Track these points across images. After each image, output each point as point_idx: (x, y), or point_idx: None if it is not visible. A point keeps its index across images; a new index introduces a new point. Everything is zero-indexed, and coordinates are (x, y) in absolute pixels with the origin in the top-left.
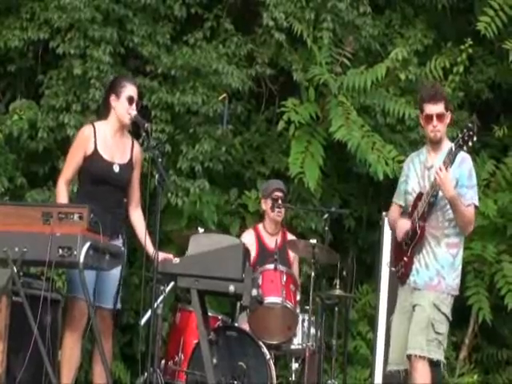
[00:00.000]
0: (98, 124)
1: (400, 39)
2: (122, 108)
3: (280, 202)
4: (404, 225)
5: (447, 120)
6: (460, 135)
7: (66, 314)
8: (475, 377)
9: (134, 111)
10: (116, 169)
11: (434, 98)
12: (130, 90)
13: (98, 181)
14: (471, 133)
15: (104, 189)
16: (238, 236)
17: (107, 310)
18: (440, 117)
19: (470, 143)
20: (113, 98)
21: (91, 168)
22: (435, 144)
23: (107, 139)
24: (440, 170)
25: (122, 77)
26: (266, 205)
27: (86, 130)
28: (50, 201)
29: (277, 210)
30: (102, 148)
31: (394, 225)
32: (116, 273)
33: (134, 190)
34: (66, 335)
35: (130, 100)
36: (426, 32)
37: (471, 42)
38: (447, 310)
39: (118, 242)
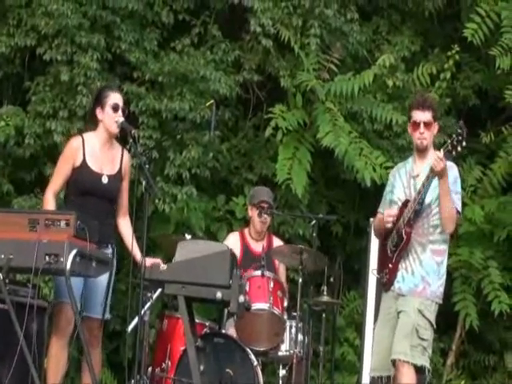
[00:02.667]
0: (87, 135)
1: (387, 46)
2: (108, 118)
3: (265, 212)
4: (391, 211)
5: (434, 129)
6: (449, 140)
7: (52, 320)
8: (462, 383)
9: (120, 118)
10: (105, 180)
11: (423, 105)
12: (113, 98)
13: (87, 192)
14: (460, 138)
15: (93, 200)
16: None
17: (95, 319)
18: (427, 125)
19: (459, 148)
20: (98, 110)
21: (80, 179)
22: (421, 152)
23: (96, 150)
24: (439, 159)
25: (105, 87)
26: (252, 212)
27: (75, 141)
28: (36, 207)
29: (263, 217)
30: (91, 159)
31: (379, 231)
32: (104, 281)
33: (122, 199)
34: (52, 342)
35: (115, 108)
36: (413, 38)
37: (458, 49)
38: (431, 316)
39: (108, 251)
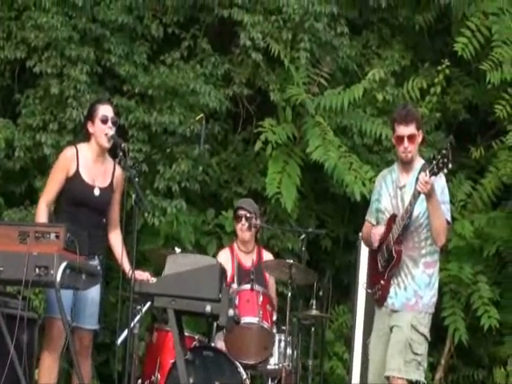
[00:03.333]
0: (81, 146)
1: (377, 60)
2: (99, 131)
3: (244, 220)
4: (377, 230)
5: (419, 139)
6: (434, 162)
7: (43, 334)
8: None
9: (110, 131)
10: (96, 192)
11: (405, 119)
12: (102, 110)
13: (78, 203)
14: (445, 160)
15: (84, 211)
16: (215, 256)
17: (85, 330)
18: (411, 138)
19: (445, 170)
20: (89, 124)
21: (72, 190)
22: (406, 164)
23: (89, 162)
24: (425, 183)
25: (95, 101)
26: (235, 223)
27: (69, 151)
28: (26, 220)
29: (240, 225)
30: (84, 171)
31: (367, 240)
32: (93, 292)
33: (113, 212)
34: (44, 355)
35: (104, 120)
36: (403, 53)
37: (448, 63)
38: (425, 330)
39: (94, 263)
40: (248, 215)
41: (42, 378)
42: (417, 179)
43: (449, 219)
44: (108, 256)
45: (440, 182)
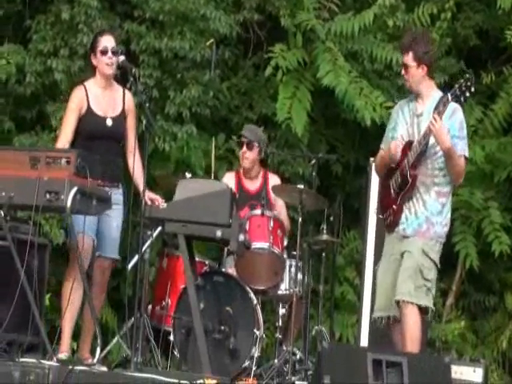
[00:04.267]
0: (88, 83)
1: None
2: (100, 62)
3: (245, 147)
4: (396, 146)
5: (416, 73)
6: (457, 85)
7: (68, 257)
8: (462, 323)
9: (112, 60)
10: (109, 123)
11: (403, 47)
12: (102, 41)
13: (93, 137)
14: (469, 83)
15: (99, 143)
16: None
17: (109, 259)
18: (406, 67)
19: (468, 94)
20: (92, 56)
21: (85, 125)
22: (412, 93)
23: (98, 95)
24: (434, 120)
25: (96, 33)
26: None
27: (78, 91)
28: (37, 145)
29: (241, 152)
30: (95, 104)
31: (381, 168)
32: (119, 220)
33: (129, 137)
34: (69, 277)
35: (104, 51)
36: None
37: None
38: (436, 256)
39: (118, 192)
40: (249, 143)
41: (65, 300)
42: (435, 109)
43: (466, 154)
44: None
45: (458, 117)
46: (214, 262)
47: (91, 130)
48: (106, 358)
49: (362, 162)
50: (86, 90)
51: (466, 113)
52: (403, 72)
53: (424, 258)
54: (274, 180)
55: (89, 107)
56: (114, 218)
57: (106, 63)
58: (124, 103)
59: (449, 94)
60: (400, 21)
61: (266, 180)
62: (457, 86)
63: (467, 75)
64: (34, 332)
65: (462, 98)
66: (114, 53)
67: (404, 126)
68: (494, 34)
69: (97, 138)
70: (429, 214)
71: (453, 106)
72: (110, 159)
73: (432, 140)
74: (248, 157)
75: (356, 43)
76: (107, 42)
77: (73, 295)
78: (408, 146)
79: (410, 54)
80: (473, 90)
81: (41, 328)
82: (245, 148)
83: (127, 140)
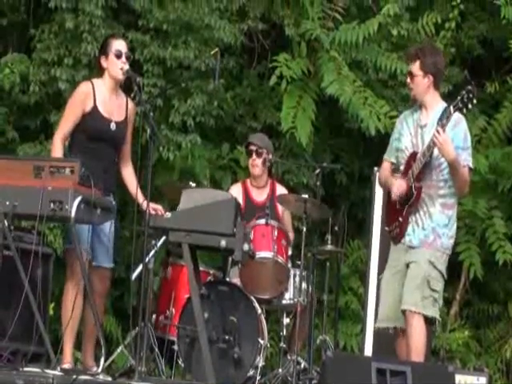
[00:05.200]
0: (96, 81)
1: None
2: (113, 65)
3: (254, 155)
4: (400, 187)
5: (422, 82)
6: (459, 97)
7: (66, 267)
8: (466, 332)
9: (125, 65)
10: (113, 127)
11: (410, 56)
12: (115, 45)
13: (95, 137)
14: (471, 95)
15: (100, 146)
16: (227, 191)
17: (106, 269)
18: (411, 76)
19: (470, 106)
20: (103, 59)
21: (89, 124)
22: (418, 103)
23: (105, 97)
24: (438, 133)
25: (109, 36)
26: (247, 159)
27: (85, 86)
28: (41, 155)
29: (251, 161)
30: (101, 105)
31: (385, 182)
32: (111, 229)
33: (126, 146)
34: (67, 288)
35: (118, 55)
36: None
37: None
38: (443, 268)
39: (111, 199)
40: (259, 150)
41: (66, 310)
42: (438, 120)
43: (471, 165)
44: (123, 191)
45: (462, 127)
46: (219, 272)
47: (95, 131)
48: (110, 368)
49: (367, 172)
50: (93, 87)
51: (470, 122)
52: (408, 81)
53: (431, 269)
54: (281, 191)
55: (95, 105)
56: (106, 226)
57: (120, 67)
58: (127, 111)
59: (451, 107)
60: (404, 30)
61: (273, 192)
62: (459, 97)
63: (469, 87)
64: (37, 341)
65: (465, 110)
66: (128, 58)
67: (408, 136)
68: (497, 43)
69: (98, 140)
70: (435, 225)
71: (456, 116)
72: (107, 167)
73: (436, 152)
74: (258, 164)
75: (360, 52)
76: (121, 46)
77: (72, 305)
78: (412, 157)
79: (417, 62)
80: (475, 101)
81: (45, 337)
82: (254, 155)
83: (124, 149)
